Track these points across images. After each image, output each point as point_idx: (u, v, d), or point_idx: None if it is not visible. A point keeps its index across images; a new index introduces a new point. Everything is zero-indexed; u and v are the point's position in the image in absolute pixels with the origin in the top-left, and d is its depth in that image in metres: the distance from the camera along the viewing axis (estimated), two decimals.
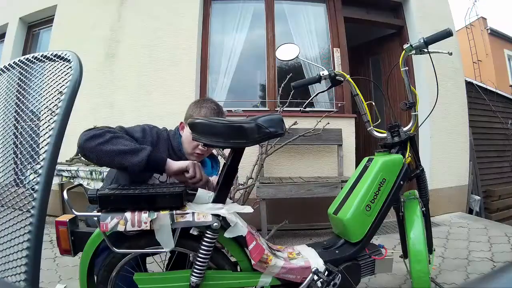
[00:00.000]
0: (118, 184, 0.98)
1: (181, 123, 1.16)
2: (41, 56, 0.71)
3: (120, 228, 0.77)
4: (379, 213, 1.12)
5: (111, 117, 2.82)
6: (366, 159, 1.23)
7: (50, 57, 0.69)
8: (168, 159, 0.94)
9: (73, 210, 0.81)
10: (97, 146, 0.86)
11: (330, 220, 1.21)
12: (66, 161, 2.67)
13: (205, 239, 0.86)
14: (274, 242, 2.07)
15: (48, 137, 0.55)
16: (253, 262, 0.91)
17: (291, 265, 0.97)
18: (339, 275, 1.00)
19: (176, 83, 2.84)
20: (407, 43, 1.20)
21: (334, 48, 3.10)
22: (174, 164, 0.94)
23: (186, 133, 1.11)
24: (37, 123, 0.64)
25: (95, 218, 0.79)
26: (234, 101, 3.04)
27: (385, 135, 1.27)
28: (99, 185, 2.22)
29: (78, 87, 0.60)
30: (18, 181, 0.62)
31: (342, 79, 1.27)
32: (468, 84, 3.60)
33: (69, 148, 2.64)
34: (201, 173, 0.96)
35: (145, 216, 0.78)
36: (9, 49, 3.42)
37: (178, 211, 0.81)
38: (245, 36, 3.13)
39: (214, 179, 1.07)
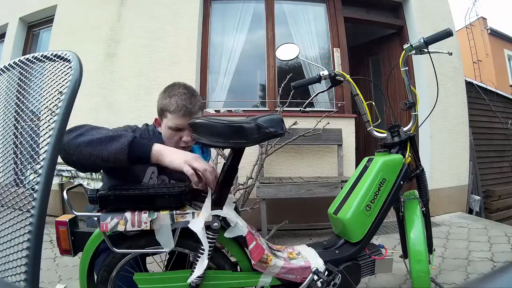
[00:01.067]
0: (116, 185, 0.98)
1: (156, 119, 1.08)
2: (41, 56, 0.71)
3: (120, 228, 0.77)
4: (379, 213, 1.12)
5: (111, 117, 2.82)
6: (366, 159, 1.23)
7: (50, 57, 0.69)
8: (156, 143, 0.83)
9: (73, 210, 0.81)
10: (74, 139, 0.79)
11: (330, 220, 1.21)
12: None
13: None
14: (274, 242, 2.07)
15: (48, 137, 0.55)
16: (253, 262, 0.91)
17: (291, 265, 0.97)
18: (339, 275, 1.00)
19: None
20: (407, 43, 1.20)
21: (334, 48, 3.10)
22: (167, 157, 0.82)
23: (164, 128, 1.02)
24: (37, 123, 0.64)
25: (95, 218, 0.79)
26: (234, 101, 3.04)
27: (385, 135, 1.27)
28: (99, 185, 2.22)
29: (78, 87, 0.60)
30: (18, 181, 0.61)
31: (342, 79, 1.27)
32: (468, 84, 3.59)
33: None
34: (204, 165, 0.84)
35: (145, 216, 0.78)
36: (9, 49, 3.41)
37: (178, 211, 0.81)
38: (245, 36, 3.13)
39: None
